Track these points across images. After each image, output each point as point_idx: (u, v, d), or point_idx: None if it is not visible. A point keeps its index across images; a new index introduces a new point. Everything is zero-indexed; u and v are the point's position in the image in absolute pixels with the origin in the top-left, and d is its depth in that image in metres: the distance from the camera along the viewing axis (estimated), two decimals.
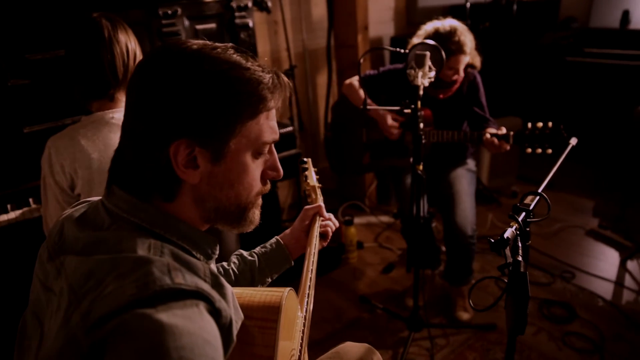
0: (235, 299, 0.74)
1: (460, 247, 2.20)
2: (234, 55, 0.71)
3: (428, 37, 2.07)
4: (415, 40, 2.14)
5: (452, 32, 2.05)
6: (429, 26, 2.15)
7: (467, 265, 2.26)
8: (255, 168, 0.76)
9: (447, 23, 2.09)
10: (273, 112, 0.76)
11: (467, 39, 2.08)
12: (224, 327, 0.66)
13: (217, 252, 0.80)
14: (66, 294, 0.63)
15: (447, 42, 2.01)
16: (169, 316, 0.57)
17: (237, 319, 0.71)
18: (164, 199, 0.72)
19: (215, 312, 0.64)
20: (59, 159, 1.35)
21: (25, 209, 1.74)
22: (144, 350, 0.54)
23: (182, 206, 0.73)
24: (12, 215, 1.71)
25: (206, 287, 0.64)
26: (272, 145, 0.79)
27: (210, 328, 0.61)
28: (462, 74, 2.13)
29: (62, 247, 0.71)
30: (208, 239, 0.77)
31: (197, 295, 0.62)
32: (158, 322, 0.56)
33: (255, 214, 0.81)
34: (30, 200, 1.76)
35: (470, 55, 2.13)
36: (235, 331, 0.69)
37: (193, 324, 0.58)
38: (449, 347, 2.12)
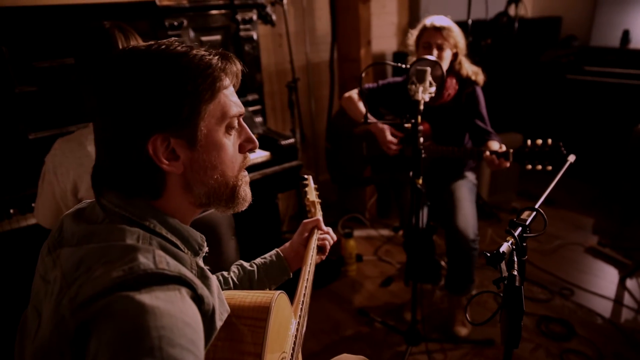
0: (221, 291, 0.77)
1: (462, 252, 2.16)
2: (180, 47, 0.74)
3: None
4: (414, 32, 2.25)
5: (432, 17, 2.17)
6: None
7: (468, 272, 2.23)
8: (231, 144, 0.79)
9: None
10: (231, 89, 0.79)
11: (448, 25, 2.13)
12: (207, 314, 0.69)
13: (205, 248, 0.82)
14: (59, 281, 0.66)
15: (425, 22, 2.17)
16: (151, 298, 0.60)
17: (222, 310, 0.74)
18: (152, 197, 0.75)
19: (198, 299, 0.67)
20: (65, 162, 1.38)
21: (28, 214, 1.75)
22: (126, 330, 0.57)
23: (172, 198, 0.76)
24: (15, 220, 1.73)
25: (189, 274, 0.67)
26: (241, 120, 0.82)
27: (191, 312, 0.64)
28: (445, 59, 2.12)
29: (60, 242, 0.74)
30: (196, 234, 0.80)
31: (180, 280, 0.65)
32: (140, 303, 0.58)
33: (247, 192, 0.84)
34: (33, 205, 1.77)
35: (458, 51, 2.17)
36: (219, 321, 0.72)
37: (174, 307, 0.61)
38: None
